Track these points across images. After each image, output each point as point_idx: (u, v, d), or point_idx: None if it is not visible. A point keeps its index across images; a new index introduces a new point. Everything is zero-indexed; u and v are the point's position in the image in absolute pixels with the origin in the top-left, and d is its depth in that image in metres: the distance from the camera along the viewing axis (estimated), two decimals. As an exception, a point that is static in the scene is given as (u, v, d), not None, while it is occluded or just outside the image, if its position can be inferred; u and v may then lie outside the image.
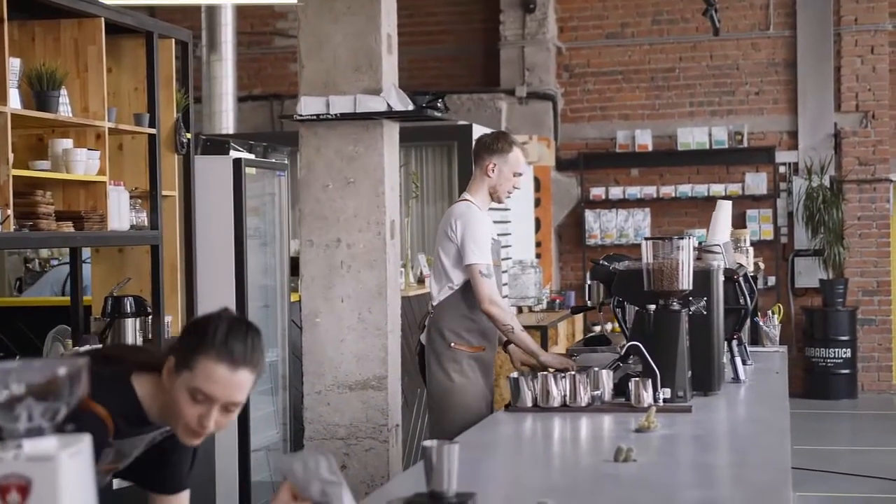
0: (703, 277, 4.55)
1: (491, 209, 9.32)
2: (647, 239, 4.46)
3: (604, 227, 13.06)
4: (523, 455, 3.77)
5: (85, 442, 1.77)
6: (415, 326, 7.48)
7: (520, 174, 5.43)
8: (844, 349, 12.35)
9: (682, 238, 4.42)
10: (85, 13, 5.26)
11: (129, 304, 5.48)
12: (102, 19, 5.30)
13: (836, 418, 11.66)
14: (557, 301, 11.29)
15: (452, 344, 5.28)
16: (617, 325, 12.37)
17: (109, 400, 2.60)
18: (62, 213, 5.11)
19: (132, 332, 5.48)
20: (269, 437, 6.88)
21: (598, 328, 12.48)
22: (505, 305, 5.26)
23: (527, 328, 9.35)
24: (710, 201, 12.67)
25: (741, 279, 5.10)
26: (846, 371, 12.38)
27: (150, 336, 5.67)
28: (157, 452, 2.81)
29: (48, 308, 6.48)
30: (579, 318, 11.33)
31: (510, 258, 10.72)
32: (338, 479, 2.51)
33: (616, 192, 13.01)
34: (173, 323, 5.95)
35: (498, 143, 5.40)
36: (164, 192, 5.82)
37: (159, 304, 5.69)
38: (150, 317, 5.64)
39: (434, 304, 5.35)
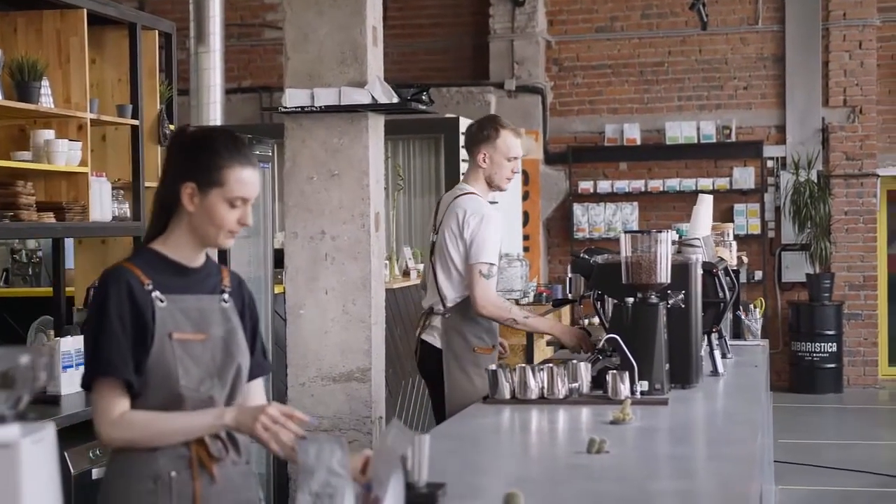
0: (681, 271, 4.56)
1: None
2: (626, 232, 4.47)
3: (592, 220, 13.09)
4: (498, 446, 3.79)
5: (48, 430, 1.78)
6: (399, 319, 7.49)
7: (514, 158, 5.22)
8: (830, 343, 12.39)
9: (661, 232, 4.44)
10: (67, 4, 5.26)
11: (111, 295, 5.47)
12: (85, 10, 5.30)
13: (822, 412, 11.71)
14: (545, 294, 11.31)
15: (476, 348, 5.15)
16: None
17: (132, 260, 2.90)
18: (44, 203, 5.11)
19: (114, 322, 5.47)
20: (251, 428, 6.87)
21: (585, 321, 12.51)
22: (500, 301, 5.11)
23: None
24: (697, 196, 12.66)
25: (721, 273, 5.12)
26: (832, 365, 12.42)
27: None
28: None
29: (32, 299, 6.49)
30: (566, 311, 11.35)
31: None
32: (345, 473, 2.53)
33: (604, 186, 13.04)
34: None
35: (484, 130, 5.22)
36: (148, 184, 5.83)
37: (142, 295, 5.69)
38: (132, 307, 5.64)
39: (448, 304, 5.16)
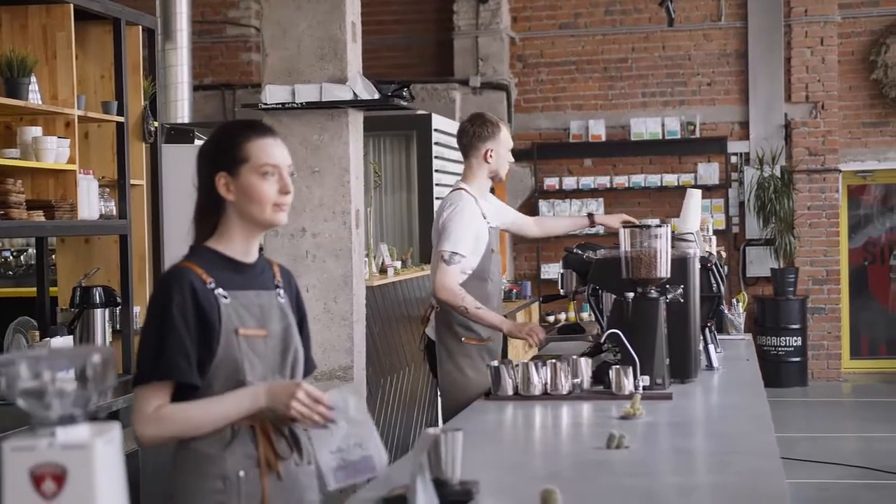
0: (679, 265, 4.56)
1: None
2: (625, 227, 4.47)
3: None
4: (514, 443, 3.77)
5: (115, 430, 1.75)
6: (378, 316, 7.45)
7: (510, 148, 5.45)
8: (795, 337, 12.49)
9: (661, 226, 4.43)
10: (53, -1, 5.18)
11: (98, 295, 5.40)
12: (71, 6, 5.21)
13: (788, 406, 11.79)
14: (514, 291, 11.34)
15: (463, 339, 5.19)
16: (574, 314, 12.36)
17: (192, 260, 2.87)
18: (32, 201, 5.03)
19: (101, 322, 5.40)
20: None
21: (551, 318, 12.53)
22: (455, 288, 5.08)
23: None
24: (662, 191, 12.78)
25: (714, 266, 5.13)
26: (797, 359, 12.53)
27: (118, 327, 5.61)
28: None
29: (11, 299, 6.39)
30: (535, 307, 11.38)
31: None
32: (365, 418, 2.52)
33: (570, 183, 13.06)
34: (142, 313, 5.88)
35: (487, 128, 5.33)
36: (132, 181, 5.75)
37: (128, 294, 5.62)
38: (118, 307, 5.57)
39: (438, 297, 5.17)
